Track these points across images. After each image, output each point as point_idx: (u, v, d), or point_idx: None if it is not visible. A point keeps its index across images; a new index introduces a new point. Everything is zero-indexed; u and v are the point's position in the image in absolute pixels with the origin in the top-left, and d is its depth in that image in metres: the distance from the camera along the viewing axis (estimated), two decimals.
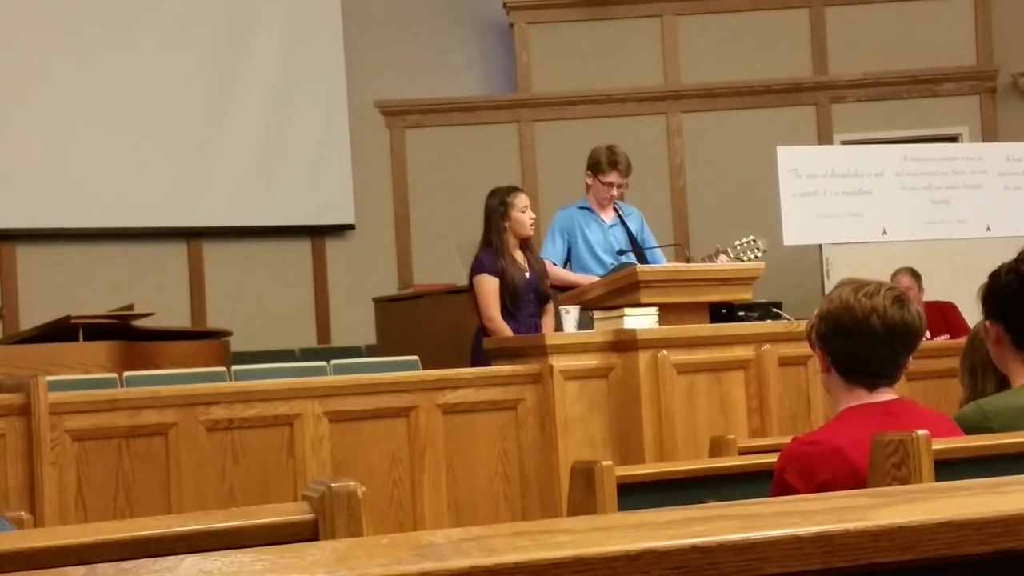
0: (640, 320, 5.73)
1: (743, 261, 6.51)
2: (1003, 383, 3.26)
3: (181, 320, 9.96)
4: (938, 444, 2.46)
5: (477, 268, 6.41)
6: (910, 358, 2.87)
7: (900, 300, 2.82)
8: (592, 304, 5.98)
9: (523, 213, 6.45)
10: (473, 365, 6.12)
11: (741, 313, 6.00)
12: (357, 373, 6.12)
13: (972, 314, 3.61)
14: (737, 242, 6.70)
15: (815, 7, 11.09)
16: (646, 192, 10.20)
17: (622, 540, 1.07)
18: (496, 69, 11.38)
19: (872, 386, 2.85)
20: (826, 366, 2.91)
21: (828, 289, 3.88)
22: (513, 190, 6.57)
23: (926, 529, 1.11)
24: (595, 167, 6.88)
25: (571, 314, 5.90)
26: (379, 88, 10.94)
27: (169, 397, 5.04)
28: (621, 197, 7.05)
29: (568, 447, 5.45)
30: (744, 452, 3.33)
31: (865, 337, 2.80)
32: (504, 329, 6.24)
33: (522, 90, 11.08)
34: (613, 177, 6.82)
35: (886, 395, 2.87)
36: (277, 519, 1.64)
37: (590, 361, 5.61)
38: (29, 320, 9.11)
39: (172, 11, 10.31)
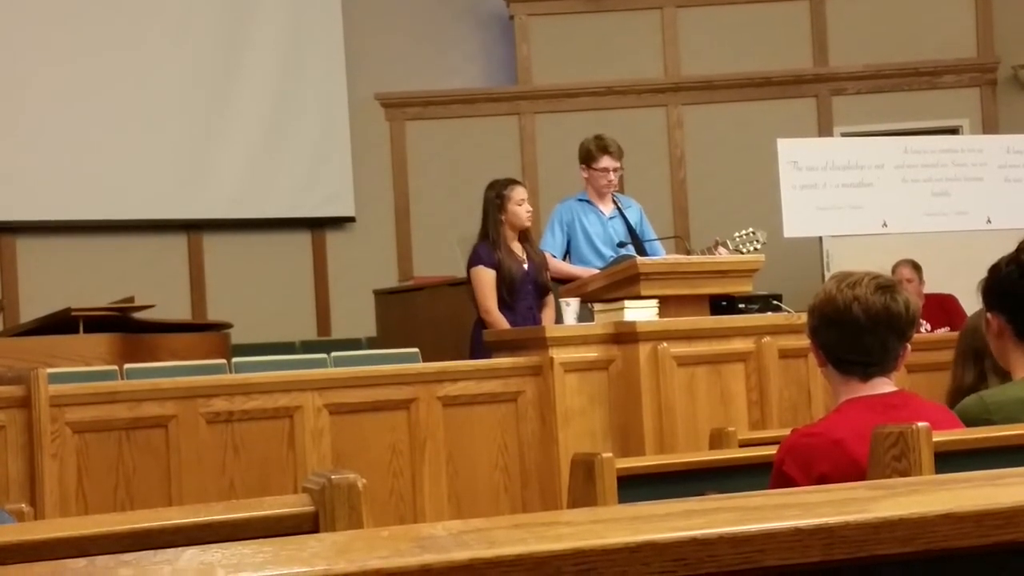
0: (640, 312, 5.73)
1: (742, 253, 6.51)
2: (982, 376, 3.27)
3: (181, 312, 9.96)
4: (938, 436, 2.46)
5: (473, 260, 6.43)
6: (905, 346, 2.87)
7: (884, 287, 2.82)
8: (592, 296, 5.99)
9: (519, 206, 6.46)
10: (472, 357, 6.12)
11: (741, 305, 6.00)
12: (357, 365, 6.12)
13: (972, 306, 3.61)
14: (736, 234, 6.69)
15: None
16: (646, 184, 10.21)
17: (622, 532, 1.07)
18: (496, 61, 11.37)
19: (865, 376, 2.86)
20: (821, 360, 2.92)
21: None
22: (510, 183, 6.59)
23: (926, 521, 1.11)
24: (587, 157, 6.89)
25: (571, 307, 5.90)
26: (379, 80, 10.93)
27: (169, 389, 5.05)
28: (620, 184, 7.04)
29: (568, 439, 5.45)
30: (744, 444, 3.33)
31: (849, 327, 2.81)
32: (500, 321, 6.25)
33: (522, 82, 11.07)
34: (606, 162, 6.83)
35: (885, 387, 2.87)
36: (277, 511, 1.64)
37: (590, 353, 5.61)
38: (29, 312, 9.11)
39: (172, 4, 10.31)
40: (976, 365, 3.28)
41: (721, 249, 6.53)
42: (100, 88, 10.01)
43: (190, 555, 1.09)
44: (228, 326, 8.07)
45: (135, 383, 5.26)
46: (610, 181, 6.86)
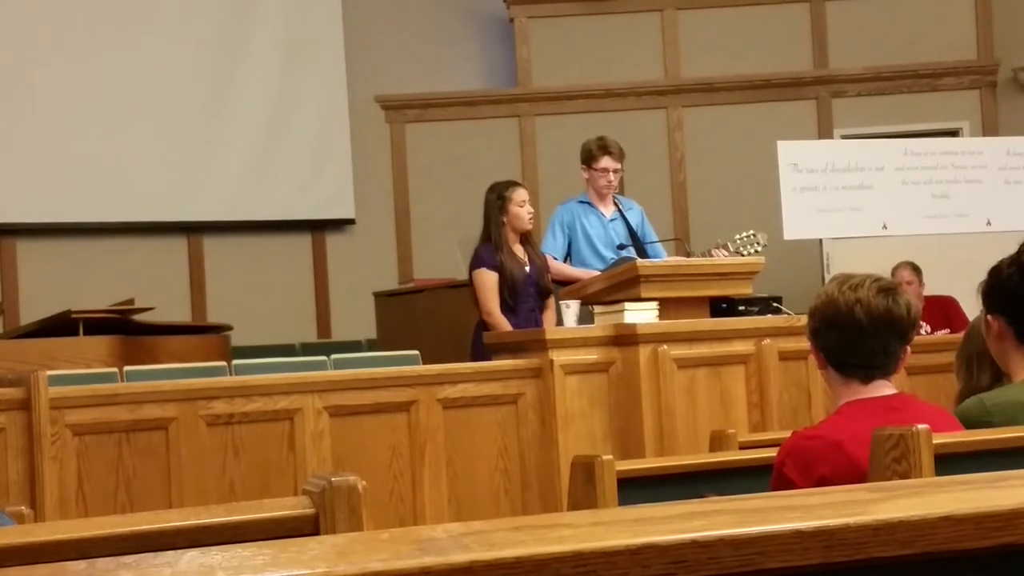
0: (640, 315, 5.73)
1: (743, 255, 6.51)
2: (998, 376, 3.26)
3: (181, 315, 9.96)
4: (938, 438, 2.46)
5: (476, 263, 6.42)
6: (906, 349, 2.87)
7: (886, 290, 2.82)
8: (592, 299, 5.98)
9: (521, 207, 6.46)
10: (473, 360, 6.12)
11: (741, 308, 5.99)
12: (357, 368, 6.12)
13: (972, 308, 3.60)
14: (737, 236, 6.70)
15: (815, 1, 11.08)
16: (646, 186, 10.21)
17: (622, 534, 1.07)
18: (496, 63, 11.37)
19: (866, 378, 2.86)
20: (821, 362, 2.92)
21: None
22: (511, 184, 6.58)
23: (926, 524, 1.11)
24: (587, 157, 6.90)
25: (571, 309, 5.90)
26: (379, 83, 10.94)
27: (169, 391, 5.05)
28: (620, 186, 7.05)
29: (568, 442, 5.45)
30: (744, 447, 3.33)
31: (851, 329, 2.81)
32: (503, 323, 6.24)
33: (522, 85, 11.07)
34: (606, 162, 6.83)
35: (885, 389, 2.87)
36: (277, 513, 1.65)
37: (590, 356, 5.61)
38: (29, 315, 9.11)
39: (172, 5, 10.31)
40: (992, 366, 3.27)
41: (720, 251, 6.52)
42: (100, 90, 10.01)
43: (190, 557, 1.09)
44: (228, 328, 8.07)
45: (135, 385, 5.26)
46: (609, 182, 6.86)
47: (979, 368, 3.37)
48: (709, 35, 11.02)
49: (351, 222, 10.81)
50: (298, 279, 10.72)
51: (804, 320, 3.04)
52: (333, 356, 6.87)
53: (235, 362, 6.60)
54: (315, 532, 1.61)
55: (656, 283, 5.86)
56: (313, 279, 10.79)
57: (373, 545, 1.09)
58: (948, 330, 7.60)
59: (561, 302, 6.05)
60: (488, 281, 6.35)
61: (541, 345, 5.59)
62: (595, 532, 1.12)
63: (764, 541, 1.07)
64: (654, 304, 5.80)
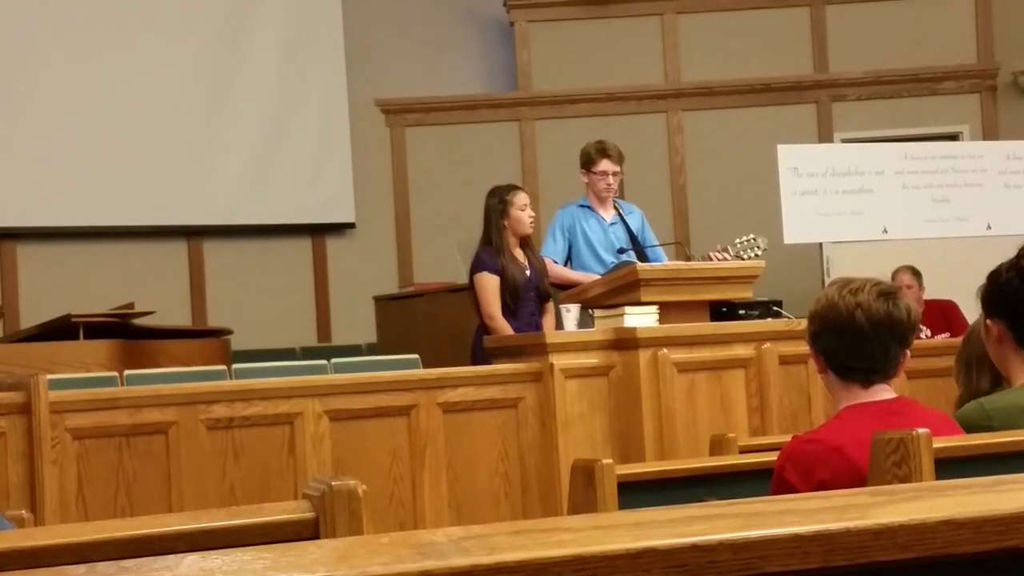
0: (640, 319, 5.73)
1: (743, 259, 6.51)
2: (997, 380, 3.26)
3: (182, 318, 9.96)
4: (938, 442, 2.46)
5: (477, 266, 6.42)
6: (905, 352, 2.87)
7: (886, 294, 2.82)
8: (592, 302, 5.98)
9: (522, 211, 6.46)
10: (473, 363, 6.12)
11: (741, 312, 5.99)
12: (357, 372, 6.12)
13: (973, 312, 3.60)
14: (737, 240, 6.69)
15: (816, 5, 11.09)
16: (646, 190, 10.21)
17: (623, 539, 1.07)
18: (497, 67, 11.38)
19: (867, 382, 2.86)
20: (821, 366, 2.92)
21: None
22: (512, 188, 6.58)
23: (926, 528, 1.11)
24: (586, 161, 6.90)
25: (571, 312, 5.90)
26: (380, 86, 10.95)
27: (170, 396, 5.04)
28: (619, 188, 7.05)
29: (568, 445, 5.45)
30: (744, 451, 3.33)
31: (852, 333, 2.81)
32: (505, 327, 6.24)
33: (523, 88, 11.08)
34: (605, 165, 6.83)
35: (885, 393, 2.87)
36: (278, 517, 1.64)
37: (590, 360, 5.60)
38: (30, 319, 9.11)
39: (172, 8, 10.32)
40: (991, 370, 3.27)
41: (719, 254, 6.52)
42: (100, 94, 10.02)
43: (191, 561, 1.09)
44: (228, 332, 8.07)
45: (135, 389, 5.25)
46: (609, 185, 6.86)
47: (979, 372, 3.37)
48: (709, 39, 11.03)
49: (351, 226, 10.82)
50: (298, 283, 10.72)
51: (804, 324, 3.04)
52: (333, 360, 6.88)
53: (235, 366, 6.60)
54: (315, 536, 1.61)
55: (656, 287, 5.86)
56: (313, 283, 10.79)
57: (373, 549, 1.09)
58: (948, 334, 7.60)
59: (561, 306, 6.04)
60: (490, 284, 6.35)
61: (541, 349, 5.59)
62: (595, 536, 1.12)
63: (764, 545, 1.07)
64: (654, 308, 5.80)
